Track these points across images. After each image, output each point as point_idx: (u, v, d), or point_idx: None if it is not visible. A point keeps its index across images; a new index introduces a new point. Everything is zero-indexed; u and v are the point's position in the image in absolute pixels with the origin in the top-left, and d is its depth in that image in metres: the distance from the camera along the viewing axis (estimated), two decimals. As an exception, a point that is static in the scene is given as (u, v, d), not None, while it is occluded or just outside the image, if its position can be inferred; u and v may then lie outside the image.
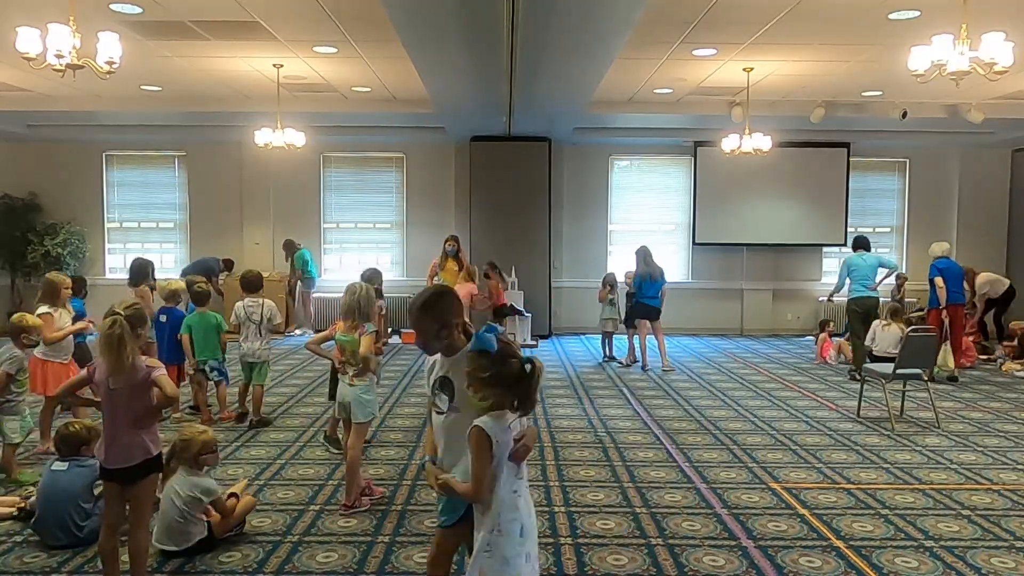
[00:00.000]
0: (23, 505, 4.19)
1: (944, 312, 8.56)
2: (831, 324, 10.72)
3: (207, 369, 6.39)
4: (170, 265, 12.61)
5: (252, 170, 12.52)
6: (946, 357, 8.52)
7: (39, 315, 5.28)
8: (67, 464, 3.96)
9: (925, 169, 12.81)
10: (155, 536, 3.70)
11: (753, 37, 7.33)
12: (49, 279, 5.69)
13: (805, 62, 8.28)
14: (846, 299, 9.03)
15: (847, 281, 8.86)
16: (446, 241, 10.64)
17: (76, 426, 4.10)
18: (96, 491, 3.90)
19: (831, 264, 12.97)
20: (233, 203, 12.62)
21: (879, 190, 12.97)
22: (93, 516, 3.86)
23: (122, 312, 3.09)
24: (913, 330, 6.72)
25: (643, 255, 9.33)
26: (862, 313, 8.66)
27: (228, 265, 11.66)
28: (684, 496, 4.63)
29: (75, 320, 5.76)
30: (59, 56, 5.25)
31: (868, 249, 9.11)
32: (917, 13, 6.50)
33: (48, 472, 4.00)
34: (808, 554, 3.79)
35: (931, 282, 8.64)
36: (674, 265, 13.02)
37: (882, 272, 8.91)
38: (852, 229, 12.65)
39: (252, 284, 6.54)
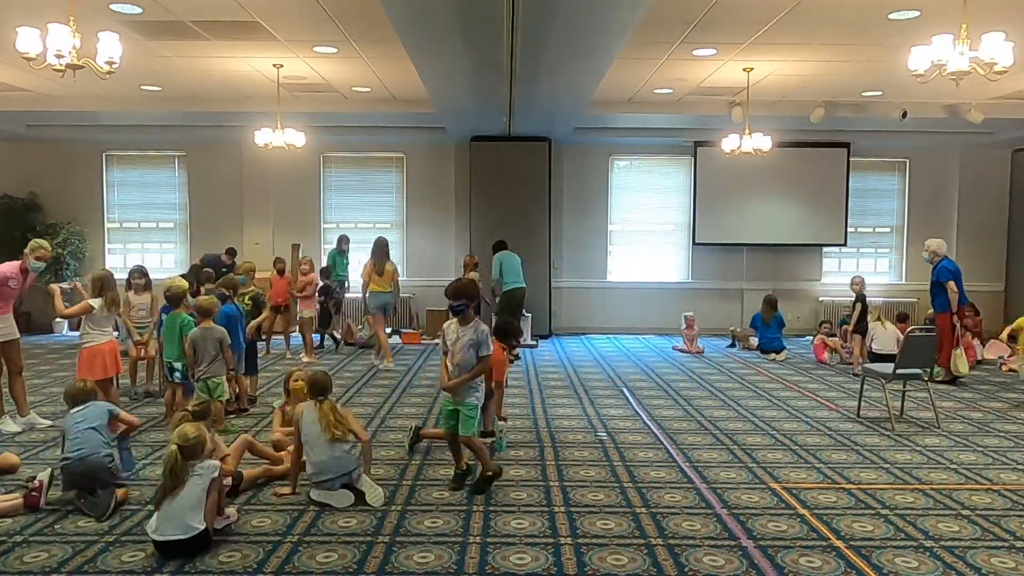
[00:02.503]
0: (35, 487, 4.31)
1: (955, 315, 8.26)
2: (825, 325, 10.86)
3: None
4: (170, 265, 12.62)
5: (252, 170, 12.53)
6: (957, 361, 8.22)
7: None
8: (83, 406, 4.54)
9: (925, 169, 12.82)
10: (159, 527, 3.71)
11: (753, 37, 7.34)
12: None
13: (805, 62, 8.29)
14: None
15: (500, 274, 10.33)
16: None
17: (86, 383, 4.81)
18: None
19: (831, 264, 12.98)
20: (233, 203, 12.64)
21: (879, 190, 12.96)
22: (116, 466, 4.44)
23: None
24: (913, 330, 6.72)
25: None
26: (517, 301, 10.24)
27: (231, 254, 11.49)
28: (684, 496, 4.63)
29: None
30: (59, 56, 5.25)
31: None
32: (917, 13, 6.51)
33: (69, 416, 4.49)
34: (808, 554, 3.78)
35: (944, 286, 8.27)
36: (674, 265, 13.06)
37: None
38: (852, 229, 12.70)
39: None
